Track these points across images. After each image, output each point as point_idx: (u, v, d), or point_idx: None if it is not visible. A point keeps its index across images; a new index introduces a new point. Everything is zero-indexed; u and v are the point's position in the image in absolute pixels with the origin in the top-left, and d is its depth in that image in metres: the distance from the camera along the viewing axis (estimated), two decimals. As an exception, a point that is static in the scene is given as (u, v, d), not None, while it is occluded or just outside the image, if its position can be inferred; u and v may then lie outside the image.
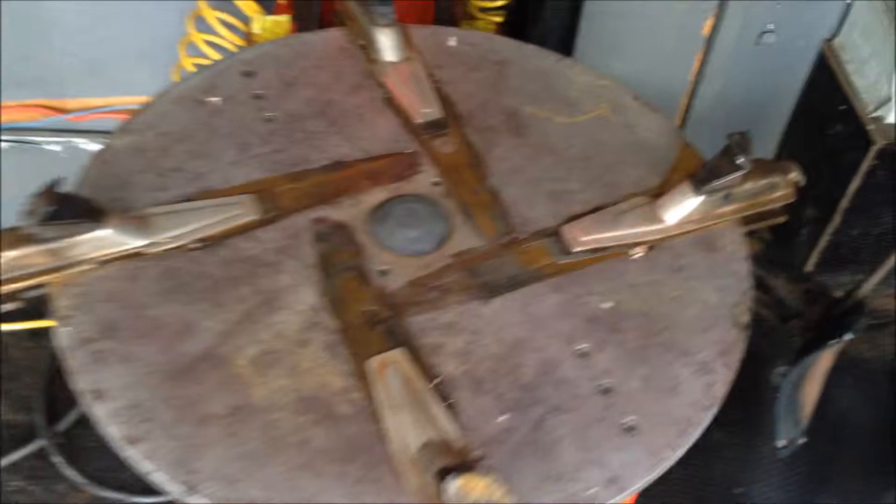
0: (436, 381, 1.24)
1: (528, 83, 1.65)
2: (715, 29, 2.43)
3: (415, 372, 1.24)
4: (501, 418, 1.22)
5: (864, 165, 2.37)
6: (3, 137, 2.75)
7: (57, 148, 2.79)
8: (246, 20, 2.26)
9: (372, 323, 1.30)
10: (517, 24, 2.36)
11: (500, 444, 1.19)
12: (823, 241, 2.59)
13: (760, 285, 1.64)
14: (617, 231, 1.41)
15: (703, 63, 2.52)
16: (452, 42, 1.71)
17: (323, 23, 1.94)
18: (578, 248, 1.40)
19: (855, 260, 2.66)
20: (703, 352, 1.30)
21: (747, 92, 2.60)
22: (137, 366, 1.24)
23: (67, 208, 1.27)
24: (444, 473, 1.07)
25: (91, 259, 1.32)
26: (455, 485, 1.04)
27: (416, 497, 1.14)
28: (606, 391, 1.25)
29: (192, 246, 1.37)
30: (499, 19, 2.27)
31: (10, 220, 2.99)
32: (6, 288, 1.29)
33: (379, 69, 1.64)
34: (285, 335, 1.29)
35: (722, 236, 1.44)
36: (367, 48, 1.66)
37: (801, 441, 2.08)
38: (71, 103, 2.74)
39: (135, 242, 1.34)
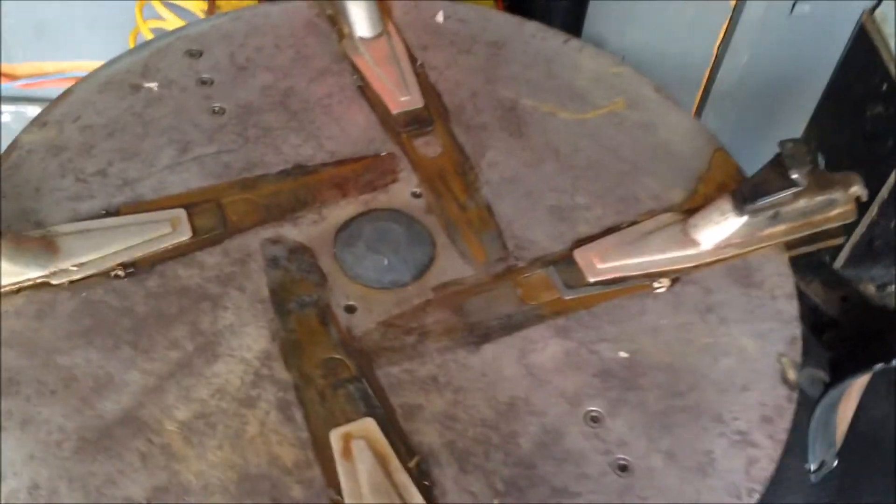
0: (415, 461, 1.00)
1: (529, 70, 1.38)
2: (743, -4, 2.16)
3: (389, 449, 0.99)
4: None
5: (908, 153, 2.12)
6: (-54, 107, 2.49)
7: (7, 118, 2.54)
8: (208, -20, 1.99)
9: (335, 378, 1.05)
10: (518, -10, 2.09)
11: (488, 538, 0.96)
12: (857, 234, 2.35)
13: (793, 291, 1.40)
14: (642, 257, 1.16)
15: (729, 34, 2.25)
16: (440, 18, 1.43)
17: (291, -12, 1.65)
18: (596, 279, 1.15)
19: (891, 253, 2.43)
20: (741, 418, 1.05)
21: (777, 66, 2.33)
22: (41, 432, 1.00)
23: None
24: None
25: None
26: None
27: None
28: (622, 469, 1.01)
29: (115, 273, 1.12)
30: (498, -18, 1.98)
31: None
32: None
33: (350, 46, 1.38)
34: (227, 392, 1.04)
35: (761, 267, 1.18)
36: (337, 21, 1.40)
37: (833, 465, 1.88)
38: (22, 69, 2.48)
39: (34, 272, 1.09)
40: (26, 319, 1.08)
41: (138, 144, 1.25)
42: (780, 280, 1.17)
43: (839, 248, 2.42)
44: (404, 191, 1.24)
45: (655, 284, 1.15)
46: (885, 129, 2.19)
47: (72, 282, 1.10)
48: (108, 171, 1.22)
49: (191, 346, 1.07)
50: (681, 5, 2.17)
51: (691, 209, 1.21)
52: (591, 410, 1.05)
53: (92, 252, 1.12)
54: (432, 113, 1.31)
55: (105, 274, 1.12)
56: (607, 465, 1.01)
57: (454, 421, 1.03)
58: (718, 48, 2.31)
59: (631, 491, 0.99)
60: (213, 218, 1.18)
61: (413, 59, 1.37)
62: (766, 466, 1.02)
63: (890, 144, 2.16)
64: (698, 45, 2.29)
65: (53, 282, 1.10)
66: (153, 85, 1.32)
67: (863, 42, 2.23)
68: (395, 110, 1.32)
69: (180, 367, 1.05)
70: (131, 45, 2.21)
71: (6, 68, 2.47)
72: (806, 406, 1.81)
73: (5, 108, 2.54)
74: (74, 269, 1.11)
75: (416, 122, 1.30)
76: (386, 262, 1.15)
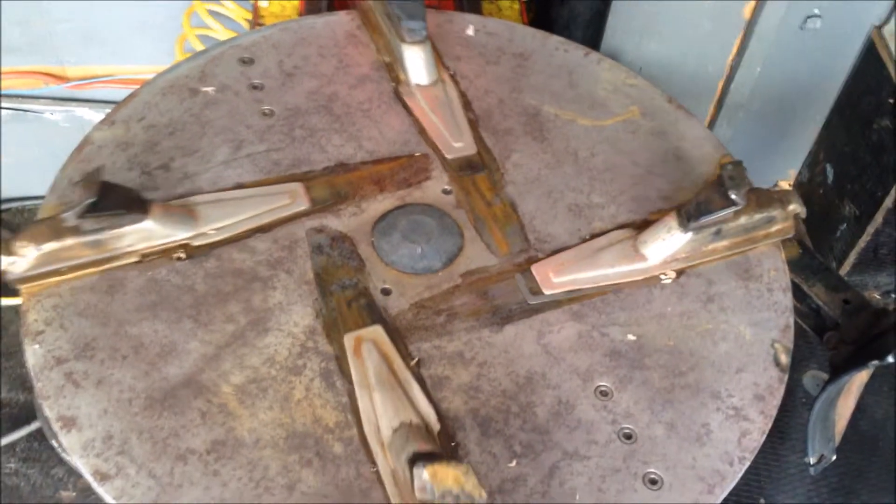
0: (415, 361, 1.15)
1: (551, 80, 1.51)
2: (757, 11, 2.26)
3: (394, 350, 1.15)
4: (511, 464, 1.10)
5: (912, 164, 2.22)
6: (3, 105, 2.64)
7: (58, 117, 2.69)
8: (253, -9, 2.12)
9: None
10: (543, 4, 2.20)
11: (508, 495, 1.08)
12: (862, 241, 2.44)
13: (796, 293, 1.50)
14: (595, 271, 1.26)
15: (743, 47, 2.35)
16: (470, 31, 1.56)
17: (334, 2, 1.79)
18: (551, 291, 1.25)
19: (895, 262, 2.52)
20: (736, 395, 1.17)
21: (788, 79, 2.43)
22: (114, 391, 1.13)
23: (110, 199, 1.18)
24: (415, 460, 0.99)
25: (135, 252, 1.24)
26: (425, 474, 0.97)
27: (388, 480, 1.06)
28: (627, 437, 1.13)
29: (177, 256, 1.25)
30: (523, -2, 2.11)
31: (10, 189, 2.87)
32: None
33: (406, 92, 1.46)
34: (276, 361, 1.17)
35: (760, 263, 1.30)
36: (393, 66, 1.49)
37: (832, 459, 1.97)
38: (72, 71, 2.62)
39: (181, 234, 1.25)
40: (100, 294, 1.21)
41: (197, 142, 1.38)
42: (776, 275, 1.29)
43: (844, 255, 2.52)
44: (436, 187, 1.37)
45: (662, 276, 1.27)
46: (891, 141, 2.29)
47: (202, 246, 1.26)
48: (170, 166, 1.35)
49: (244, 320, 1.20)
50: (696, 20, 2.27)
51: (641, 226, 1.31)
52: (601, 385, 1.17)
53: (226, 218, 1.28)
54: (483, 156, 1.40)
55: (168, 256, 1.25)
56: (614, 433, 1.13)
57: (478, 391, 1.16)
58: (732, 61, 2.41)
59: (634, 456, 1.11)
60: (325, 190, 1.34)
61: (446, 68, 1.49)
62: (756, 438, 1.13)
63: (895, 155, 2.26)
64: (713, 57, 2.39)
65: (195, 243, 1.26)
66: (210, 89, 1.45)
67: (871, 57, 2.33)
68: (449, 156, 1.39)
69: (235, 339, 1.19)
70: (178, 51, 2.35)
71: (57, 71, 2.62)
72: (809, 406, 1.91)
73: (55, 108, 2.68)
74: (213, 232, 1.27)
75: (469, 168, 1.38)
76: (419, 250, 1.28)
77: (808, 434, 1.94)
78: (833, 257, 2.55)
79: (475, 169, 1.37)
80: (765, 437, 1.14)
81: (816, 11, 2.26)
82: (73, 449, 1.09)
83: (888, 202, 2.32)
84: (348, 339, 1.17)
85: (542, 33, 1.58)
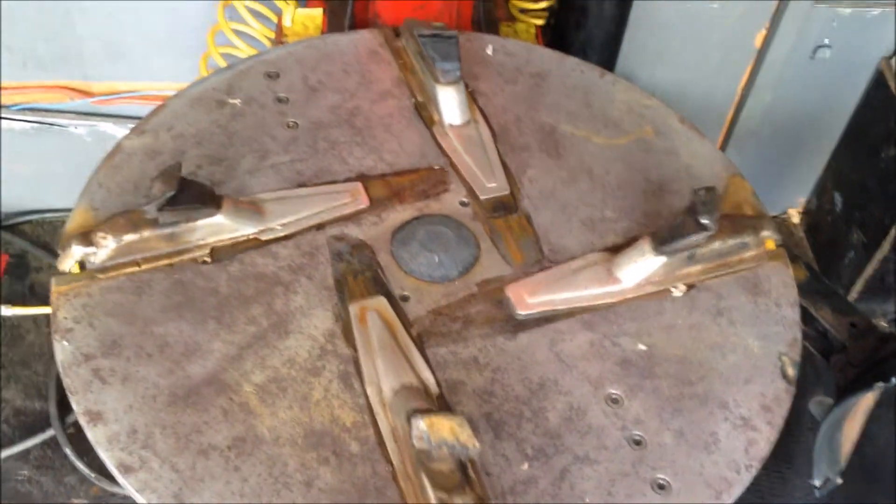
0: (417, 331, 1.22)
1: (567, 99, 1.55)
2: (767, 41, 2.32)
3: (396, 319, 1.21)
4: (523, 467, 1.13)
5: (919, 193, 2.26)
6: (28, 118, 2.70)
7: (82, 131, 2.74)
8: (278, 11, 2.18)
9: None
10: (559, 28, 2.26)
11: (519, 496, 1.11)
12: (870, 269, 2.47)
13: (804, 316, 1.53)
14: (569, 293, 1.28)
15: (753, 75, 2.41)
16: (489, 51, 1.61)
17: (356, 21, 1.85)
18: (526, 312, 1.27)
19: (903, 290, 2.55)
20: (743, 405, 1.20)
21: (798, 107, 2.48)
22: (139, 387, 1.17)
23: (186, 193, 1.24)
24: (413, 415, 1.05)
25: (206, 245, 1.30)
26: (422, 424, 1.03)
27: (388, 439, 1.12)
28: (637, 443, 1.16)
29: (203, 259, 1.29)
30: (540, 22, 2.17)
31: (32, 202, 2.93)
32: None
33: (440, 132, 1.48)
34: (296, 362, 1.21)
35: (769, 279, 1.33)
36: (427, 106, 1.51)
37: (838, 482, 1.98)
38: (96, 87, 2.69)
39: (248, 229, 1.32)
40: (127, 294, 1.25)
41: (223, 152, 1.43)
42: (784, 290, 1.32)
43: (852, 282, 2.55)
44: (454, 200, 1.41)
45: (673, 289, 1.31)
46: (898, 169, 2.32)
47: (266, 241, 1.32)
48: (197, 174, 1.40)
49: (266, 322, 1.24)
50: (708, 48, 2.33)
51: (615, 249, 1.33)
52: (612, 393, 1.20)
53: (291, 214, 1.34)
54: (515, 195, 1.41)
55: (193, 259, 1.30)
56: (623, 439, 1.16)
57: (491, 396, 1.19)
58: (743, 89, 2.46)
59: (643, 461, 1.14)
60: (384, 190, 1.40)
61: (466, 86, 1.52)
62: (763, 447, 1.16)
63: (903, 184, 2.30)
64: (723, 85, 2.45)
65: (262, 237, 1.32)
66: (236, 101, 1.50)
67: (880, 87, 2.38)
68: (482, 196, 1.40)
69: (257, 340, 1.22)
70: (202, 69, 2.41)
71: (83, 86, 2.68)
72: (815, 430, 1.93)
73: (80, 122, 2.74)
74: (279, 227, 1.33)
75: (503, 209, 1.39)
76: (436, 259, 1.32)
77: (815, 456, 1.96)
78: (841, 285, 2.58)
79: (508, 210, 1.38)
80: (772, 446, 1.17)
81: (826, 42, 2.32)
82: (98, 442, 1.12)
83: (895, 230, 2.35)
84: (353, 309, 1.24)
85: (560, 54, 1.63)
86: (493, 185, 1.41)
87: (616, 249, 1.33)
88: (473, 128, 1.48)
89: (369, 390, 1.16)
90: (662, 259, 1.28)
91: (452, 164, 1.44)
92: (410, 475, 1.09)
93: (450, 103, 1.47)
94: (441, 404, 1.15)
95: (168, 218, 1.26)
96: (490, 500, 1.09)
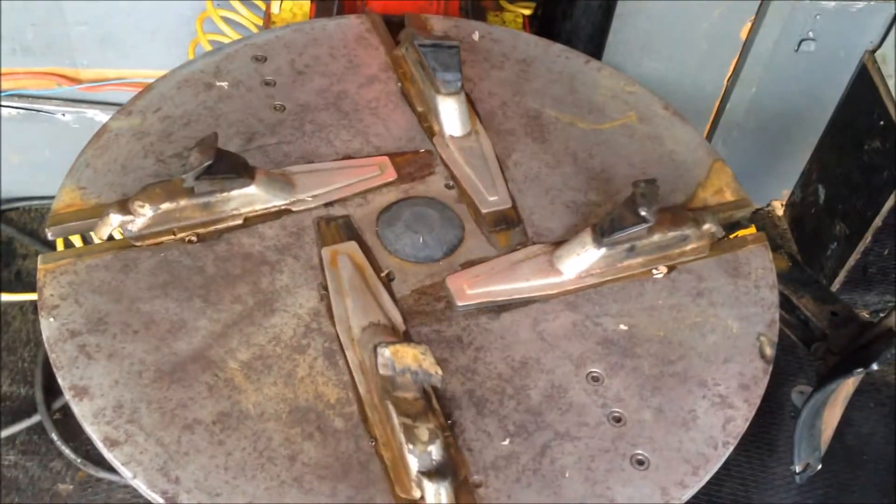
0: (386, 272, 1.27)
1: (553, 85, 1.57)
2: (753, 33, 2.34)
3: (367, 263, 1.26)
4: (504, 443, 1.15)
5: (901, 184, 2.28)
6: (15, 104, 2.70)
7: (69, 118, 2.74)
8: (266, -1, 2.19)
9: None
10: (547, 18, 2.28)
11: (500, 471, 1.12)
12: (852, 260, 2.50)
13: (785, 304, 1.54)
14: (510, 284, 1.29)
15: (739, 67, 2.43)
16: (476, 37, 1.62)
17: (343, 10, 1.86)
18: (465, 303, 1.27)
19: (884, 281, 2.58)
20: (722, 384, 1.22)
21: (782, 100, 2.51)
22: (125, 363, 1.18)
23: (222, 163, 1.26)
24: (378, 345, 1.10)
25: (239, 215, 1.32)
26: (387, 352, 1.08)
27: (357, 373, 1.17)
28: (617, 420, 1.18)
29: (189, 238, 1.30)
30: (527, 12, 2.18)
31: (19, 189, 2.92)
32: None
33: (440, 144, 1.46)
34: (282, 340, 1.22)
35: (749, 261, 1.35)
36: (427, 118, 1.49)
37: (818, 468, 2.01)
38: (84, 73, 2.68)
39: (279, 200, 1.34)
40: (114, 272, 1.26)
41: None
42: (763, 273, 1.34)
43: (835, 273, 2.57)
44: (439, 182, 1.42)
45: (654, 271, 1.33)
46: (881, 162, 2.35)
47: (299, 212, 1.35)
48: (184, 154, 1.40)
49: (252, 301, 1.25)
50: (694, 39, 2.35)
51: (559, 242, 1.34)
52: (593, 371, 1.22)
53: (321, 187, 1.37)
54: (518, 212, 1.39)
55: (181, 238, 1.30)
56: (604, 416, 1.18)
57: (474, 374, 1.21)
58: (728, 81, 2.48)
59: (623, 438, 1.16)
60: (414, 166, 1.42)
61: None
62: (740, 424, 1.18)
63: (885, 176, 2.33)
64: (709, 77, 2.47)
65: (294, 209, 1.34)
66: (224, 84, 1.51)
67: (864, 80, 2.41)
68: (484, 210, 1.38)
69: (242, 318, 1.24)
70: (191, 56, 2.41)
71: (70, 73, 2.68)
72: (797, 418, 1.95)
73: (67, 108, 2.74)
74: (310, 199, 1.36)
75: (504, 223, 1.38)
76: (421, 240, 1.33)
77: (794, 442, 1.98)
78: (824, 276, 2.61)
79: (510, 224, 1.37)
80: (748, 423, 1.19)
81: (811, 34, 2.34)
82: (84, 417, 1.13)
83: (878, 222, 2.38)
84: (325, 253, 1.28)
85: (545, 41, 1.64)
86: (494, 199, 1.39)
87: (557, 243, 1.33)
88: (475, 139, 1.46)
89: (339, 328, 1.21)
90: (603, 251, 1.28)
91: (453, 177, 1.42)
92: (377, 404, 1.13)
93: (451, 114, 1.46)
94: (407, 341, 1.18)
95: (204, 187, 1.28)
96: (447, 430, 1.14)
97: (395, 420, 1.09)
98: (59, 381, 1.16)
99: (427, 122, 1.49)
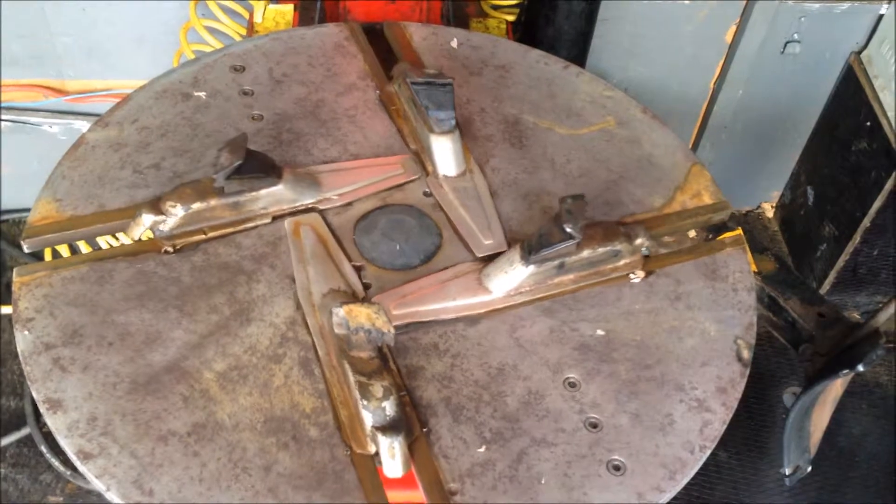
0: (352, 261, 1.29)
1: (531, 91, 1.57)
2: (738, 36, 2.34)
3: (329, 234, 1.29)
4: (480, 450, 1.14)
5: (889, 185, 2.28)
6: (2, 117, 2.70)
7: (56, 129, 2.74)
8: (249, 8, 2.19)
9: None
10: (530, 24, 2.28)
11: (476, 478, 1.12)
12: (841, 261, 2.50)
13: (773, 306, 1.54)
14: (437, 304, 1.27)
15: (725, 70, 2.43)
16: (454, 43, 1.62)
17: (326, 18, 1.86)
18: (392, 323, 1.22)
19: (873, 281, 2.57)
20: (699, 388, 1.21)
21: (769, 102, 2.50)
22: (99, 376, 1.17)
23: (250, 163, 1.28)
24: (334, 306, 1.14)
25: (267, 214, 1.34)
26: (341, 311, 1.12)
27: (317, 337, 1.20)
28: (593, 426, 1.17)
29: (165, 249, 1.30)
30: (511, 18, 2.18)
31: (7, 201, 2.89)
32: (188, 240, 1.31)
33: (434, 183, 1.42)
34: (258, 349, 1.22)
35: (726, 264, 1.35)
36: (421, 158, 1.46)
37: (808, 470, 2.00)
38: (71, 85, 2.69)
39: (306, 199, 1.36)
40: (89, 284, 1.26)
41: (188, 144, 1.44)
42: (741, 276, 1.34)
43: (824, 274, 2.57)
44: (417, 190, 1.42)
45: (631, 275, 1.32)
46: (868, 163, 2.35)
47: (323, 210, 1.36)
48: (161, 165, 1.40)
49: (228, 311, 1.25)
50: (679, 43, 2.35)
51: (487, 259, 1.32)
52: (570, 377, 1.22)
53: (348, 185, 1.38)
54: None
55: (157, 249, 1.30)
56: (581, 422, 1.17)
57: (451, 381, 1.20)
58: (715, 84, 2.48)
59: (600, 443, 1.15)
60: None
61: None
62: (717, 428, 1.18)
63: (873, 177, 2.33)
64: (696, 80, 2.47)
65: (321, 207, 1.36)
66: (202, 94, 1.51)
67: (850, 82, 2.41)
68: (479, 254, 1.34)
69: (219, 328, 1.23)
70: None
71: (57, 84, 2.68)
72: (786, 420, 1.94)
73: (54, 120, 2.74)
74: (336, 198, 1.37)
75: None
76: (398, 248, 1.33)
77: (784, 444, 1.97)
78: (814, 277, 2.60)
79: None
80: (725, 427, 1.18)
81: (796, 37, 2.34)
82: (58, 430, 1.13)
83: (867, 222, 2.38)
84: (288, 224, 1.32)
85: (524, 47, 1.64)
86: (489, 243, 1.35)
87: (485, 261, 1.32)
88: (469, 179, 1.43)
89: (300, 294, 1.23)
90: (531, 268, 1.26)
91: (447, 219, 1.38)
92: (335, 365, 1.17)
93: (444, 153, 1.42)
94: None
95: (234, 187, 1.30)
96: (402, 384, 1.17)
97: (351, 378, 1.13)
98: (34, 394, 1.15)
99: (421, 162, 1.45)
